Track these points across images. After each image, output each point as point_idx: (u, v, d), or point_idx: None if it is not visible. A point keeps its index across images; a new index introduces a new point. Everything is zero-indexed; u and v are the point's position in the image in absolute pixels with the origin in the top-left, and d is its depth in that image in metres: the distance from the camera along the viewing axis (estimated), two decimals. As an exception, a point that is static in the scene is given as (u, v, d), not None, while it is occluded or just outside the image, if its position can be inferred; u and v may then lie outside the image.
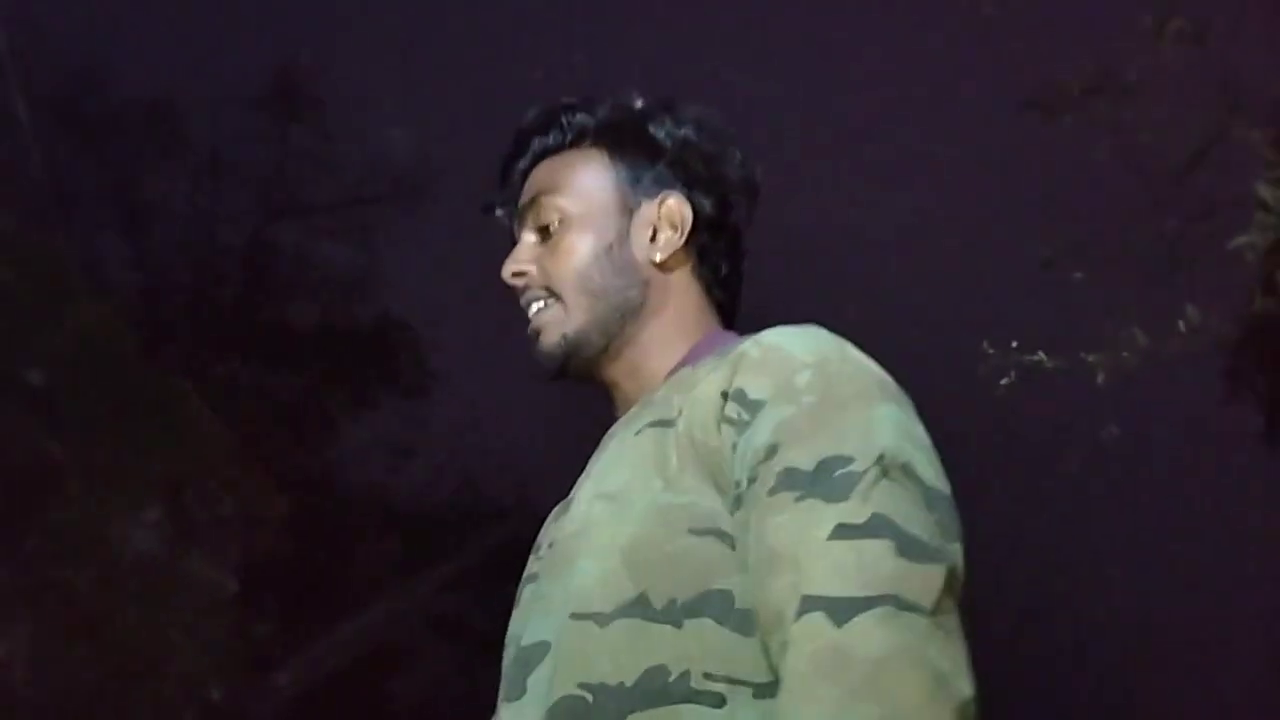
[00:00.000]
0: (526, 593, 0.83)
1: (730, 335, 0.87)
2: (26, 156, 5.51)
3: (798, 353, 0.77)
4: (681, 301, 0.89)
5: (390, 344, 6.55)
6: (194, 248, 6.88)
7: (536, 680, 0.75)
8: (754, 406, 0.74)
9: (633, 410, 0.84)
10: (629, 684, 0.70)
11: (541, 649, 0.76)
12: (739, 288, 0.92)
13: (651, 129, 0.90)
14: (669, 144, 0.90)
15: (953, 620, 0.68)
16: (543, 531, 0.89)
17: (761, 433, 0.73)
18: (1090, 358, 2.98)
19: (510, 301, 0.89)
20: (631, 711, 0.70)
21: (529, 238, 0.89)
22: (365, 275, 6.79)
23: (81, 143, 6.31)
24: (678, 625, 0.71)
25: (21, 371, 3.19)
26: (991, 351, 3.02)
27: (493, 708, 0.81)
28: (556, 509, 0.88)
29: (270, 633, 3.73)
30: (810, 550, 0.68)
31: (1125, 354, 2.96)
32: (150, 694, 3.23)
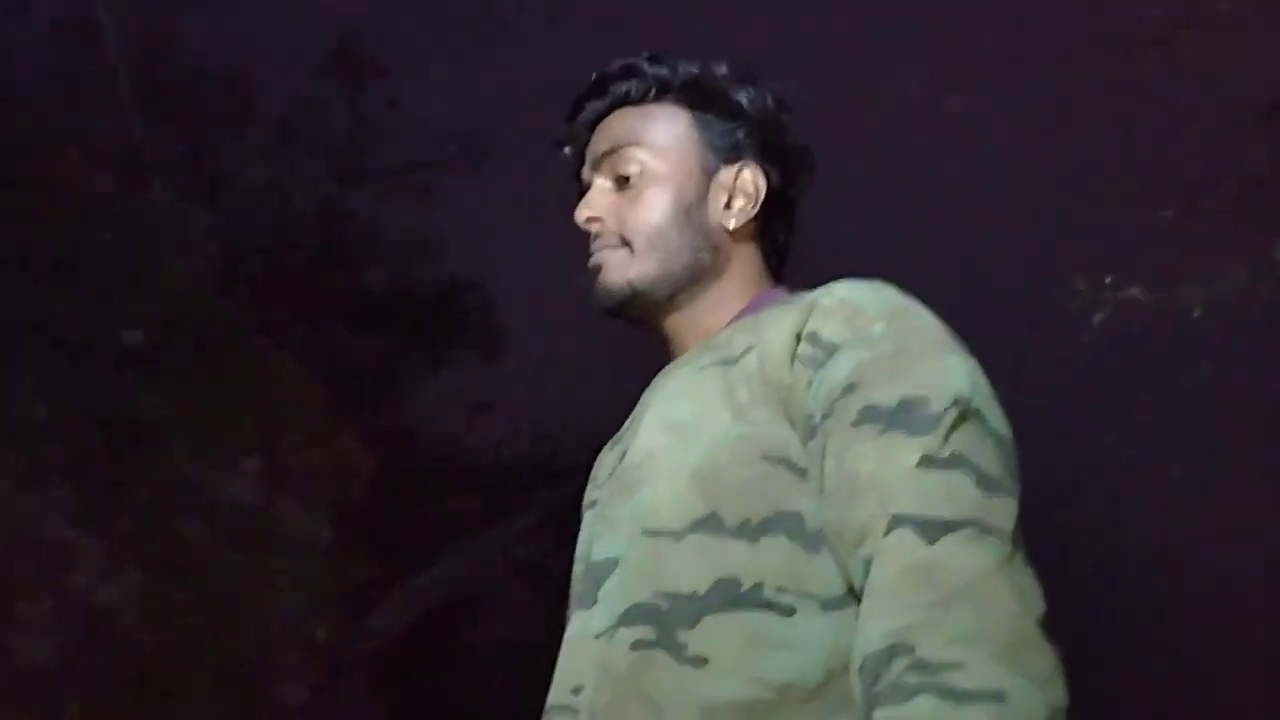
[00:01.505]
0: (590, 517, 0.89)
1: (784, 291, 0.91)
2: (122, 122, 5.69)
3: (870, 305, 0.81)
4: (744, 265, 0.92)
5: (462, 304, 6.68)
6: (269, 214, 7.04)
7: (608, 591, 0.80)
8: (829, 347, 0.78)
9: (691, 352, 0.88)
10: (701, 592, 0.75)
11: (611, 563, 0.80)
12: (788, 254, 0.96)
13: (735, 94, 0.91)
14: (751, 112, 0.91)
15: (1024, 549, 0.72)
16: (598, 464, 0.93)
17: (839, 371, 0.77)
18: (1186, 291, 2.91)
19: (579, 256, 0.92)
20: (704, 616, 0.74)
21: (603, 184, 0.91)
22: (435, 237, 6.89)
23: (162, 111, 6.48)
24: (750, 542, 0.76)
25: (121, 332, 3.33)
26: (1084, 288, 2.96)
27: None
28: (609, 444, 0.93)
29: (362, 578, 3.87)
30: (897, 476, 0.72)
31: (1220, 289, 2.88)
32: (255, 635, 3.40)
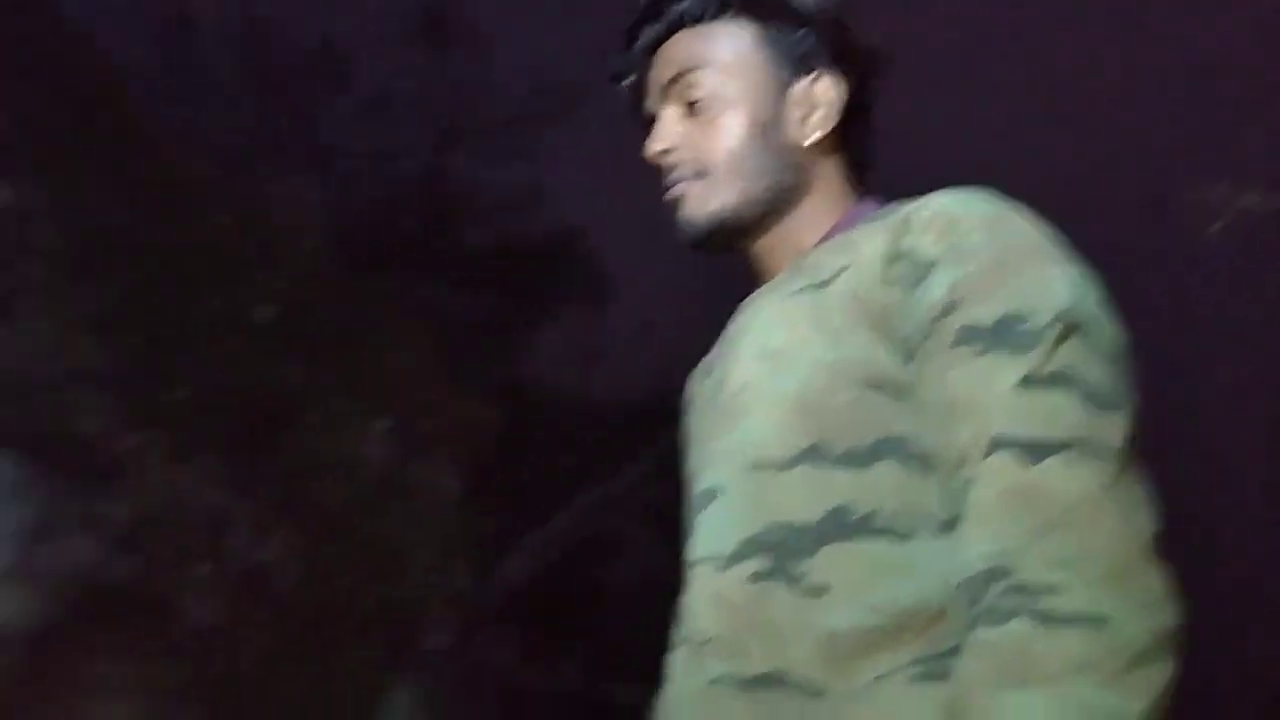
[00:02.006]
0: (692, 448, 0.87)
1: (874, 204, 0.86)
2: (229, 107, 5.91)
3: (968, 217, 0.76)
4: (828, 181, 0.87)
5: (568, 254, 6.76)
6: (375, 183, 7.24)
7: (718, 523, 0.79)
8: (925, 266, 0.75)
9: (781, 276, 0.85)
10: (815, 522, 0.74)
11: (718, 495, 0.79)
12: (873, 163, 0.91)
13: (799, 1, 0.86)
14: (817, 17, 0.86)
15: (1134, 466, 0.70)
16: (689, 394, 0.92)
17: (936, 290, 0.74)
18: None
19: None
20: (820, 545, 0.73)
21: (672, 112, 0.87)
22: (537, 190, 6.98)
23: (265, 92, 6.70)
24: (858, 469, 0.74)
25: (250, 309, 3.49)
26: (1203, 196, 2.82)
27: None
28: (699, 372, 0.91)
29: (494, 529, 4.02)
30: (997, 398, 0.70)
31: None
32: (400, 587, 3.57)
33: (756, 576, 0.75)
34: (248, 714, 3.19)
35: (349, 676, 3.47)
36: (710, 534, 0.79)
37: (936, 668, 0.71)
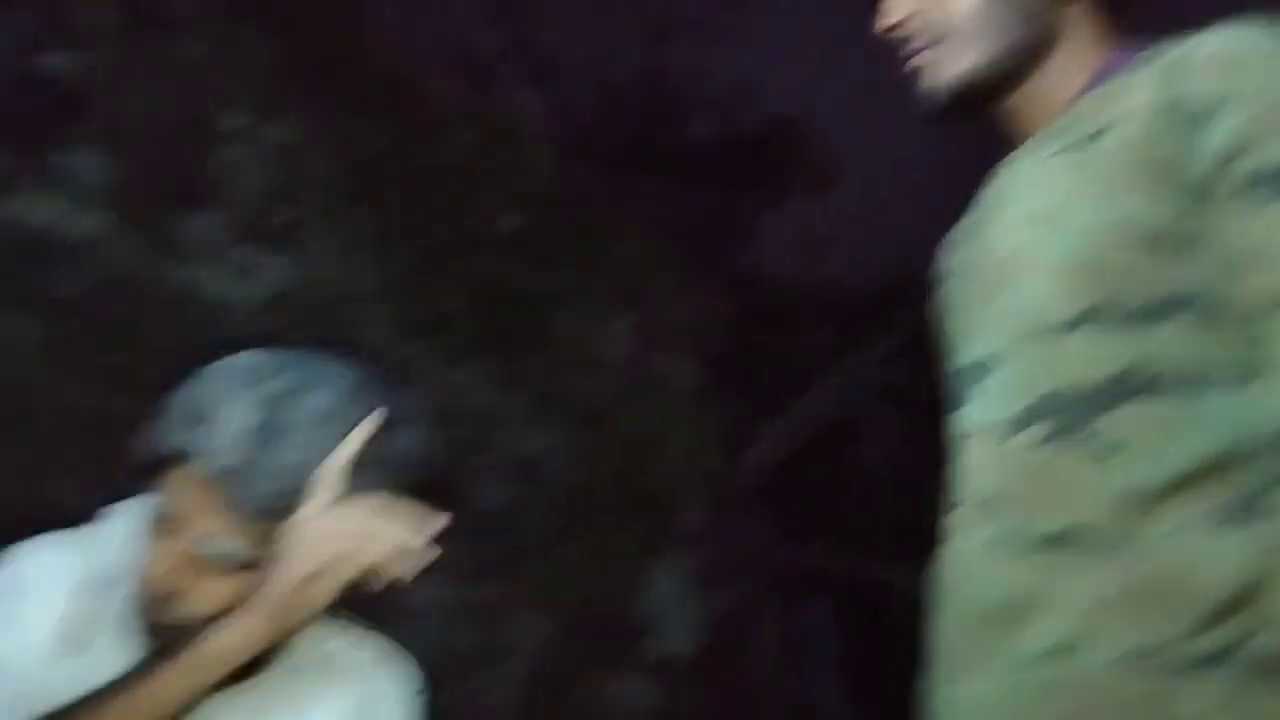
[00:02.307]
0: (953, 317, 0.86)
1: (1133, 51, 0.81)
2: (454, 25, 6.16)
3: (1249, 53, 0.72)
4: (1079, 30, 0.82)
5: (793, 139, 6.66)
6: (594, 85, 7.36)
7: (996, 389, 0.78)
8: (1205, 110, 0.71)
9: (1038, 136, 0.81)
10: (1102, 383, 0.73)
11: (992, 362, 0.79)
12: (1127, 3, 0.84)
13: None
14: None
15: None
16: (945, 266, 0.90)
17: (1219, 135, 0.70)
18: None
19: (902, 78, 0.85)
20: (1109, 406, 0.72)
21: None
22: (757, 77, 6.88)
23: (486, 6, 6.92)
24: (1143, 329, 0.72)
25: (498, 219, 3.70)
26: None
27: (937, 467, 0.86)
28: (954, 242, 0.88)
29: (738, 415, 4.13)
30: None
31: None
32: (655, 472, 3.78)
33: (1043, 440, 0.75)
34: (532, 592, 3.52)
35: (616, 557, 3.73)
36: (988, 402, 0.79)
37: (1236, 514, 0.70)
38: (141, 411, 3.08)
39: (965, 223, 0.88)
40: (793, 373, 5.11)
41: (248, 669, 1.29)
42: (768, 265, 6.61)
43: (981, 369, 0.81)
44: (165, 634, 1.16)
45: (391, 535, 1.05)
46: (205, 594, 1.13)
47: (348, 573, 1.05)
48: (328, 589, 1.06)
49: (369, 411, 1.11)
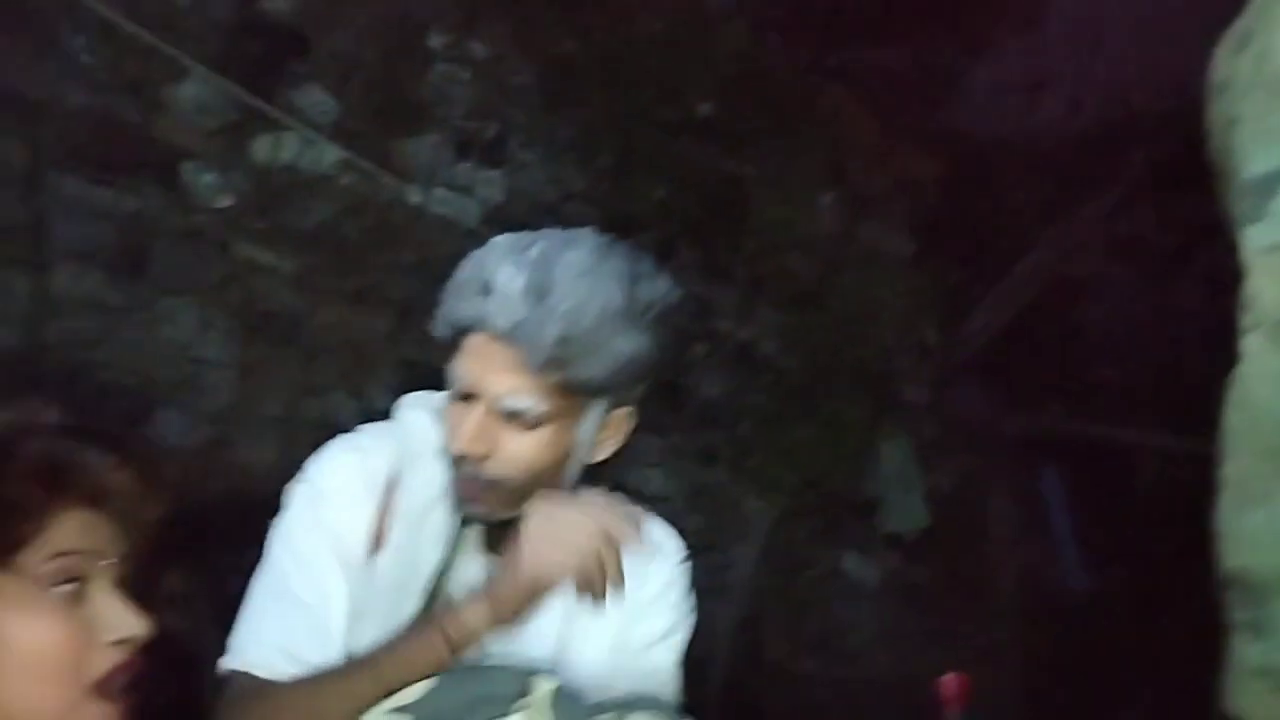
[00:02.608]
0: (1233, 129, 0.80)
1: None
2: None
3: None
4: None
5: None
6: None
7: None
8: None
9: None
10: None
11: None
12: None
13: None
14: None
15: None
16: (1220, 73, 0.82)
17: None
18: None
19: None
20: None
21: None
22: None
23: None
24: None
25: (694, 106, 3.68)
26: None
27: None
28: (1229, 48, 0.81)
29: (953, 284, 4.01)
30: None
31: None
32: (875, 346, 3.76)
33: None
34: (760, 475, 3.61)
35: (840, 435, 3.76)
36: None
37: None
38: (388, 327, 3.28)
39: (1233, 31, 0.82)
40: (1011, 232, 4.88)
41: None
42: (975, 120, 6.25)
43: (1273, 181, 0.77)
44: (483, 501, 1.30)
45: (614, 534, 1.17)
46: (512, 452, 1.27)
47: (574, 571, 1.18)
48: (554, 585, 1.19)
49: (619, 264, 1.24)
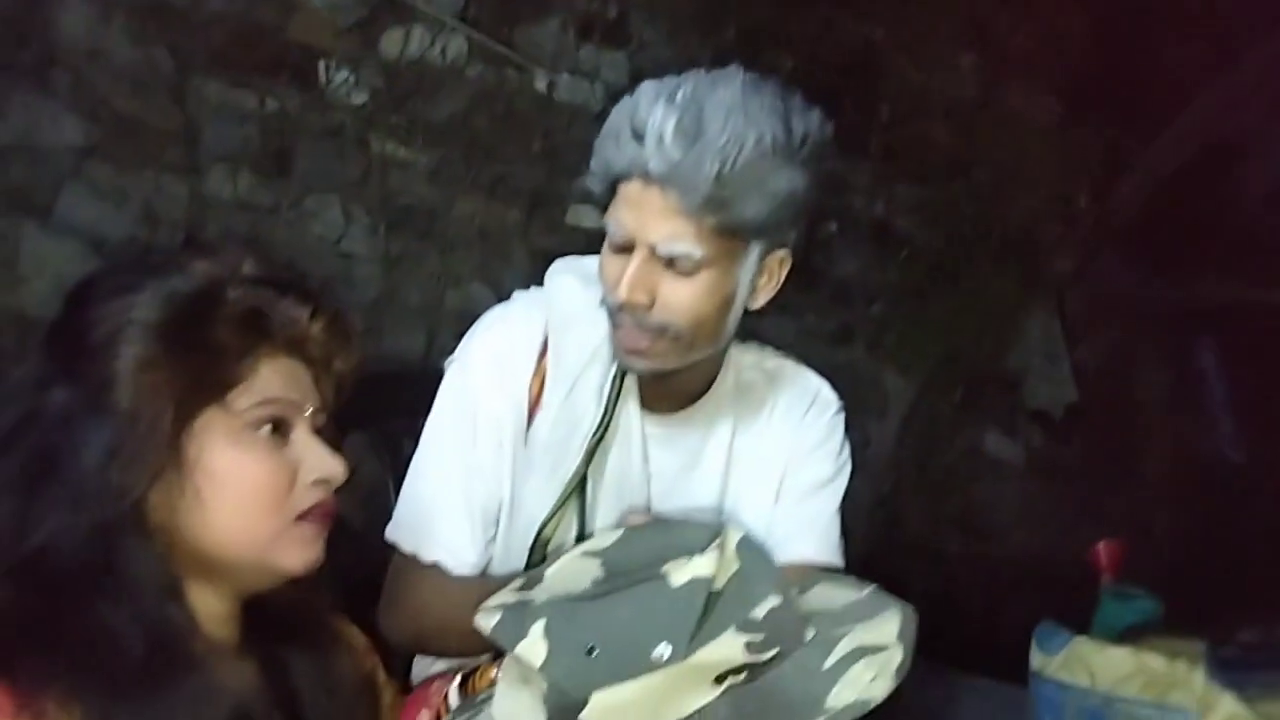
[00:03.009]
0: None
1: None
2: None
3: None
4: None
5: None
6: None
7: None
8: None
9: None
10: None
11: None
12: None
13: None
14: None
15: None
16: None
17: None
18: None
19: None
20: None
21: None
22: None
23: None
24: None
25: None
26: None
27: None
28: None
29: (1105, 145, 3.79)
30: None
31: None
32: (1019, 217, 3.61)
33: None
34: (899, 351, 3.56)
35: (983, 309, 3.65)
36: None
37: None
38: (520, 217, 3.31)
39: None
40: (1165, 90, 4.55)
41: (684, 399, 1.43)
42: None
43: None
44: (646, 353, 1.31)
45: None
46: (673, 299, 1.29)
47: None
48: None
49: (770, 99, 1.21)
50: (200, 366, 0.92)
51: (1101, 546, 2.37)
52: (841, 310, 3.48)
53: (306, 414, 0.99)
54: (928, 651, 0.93)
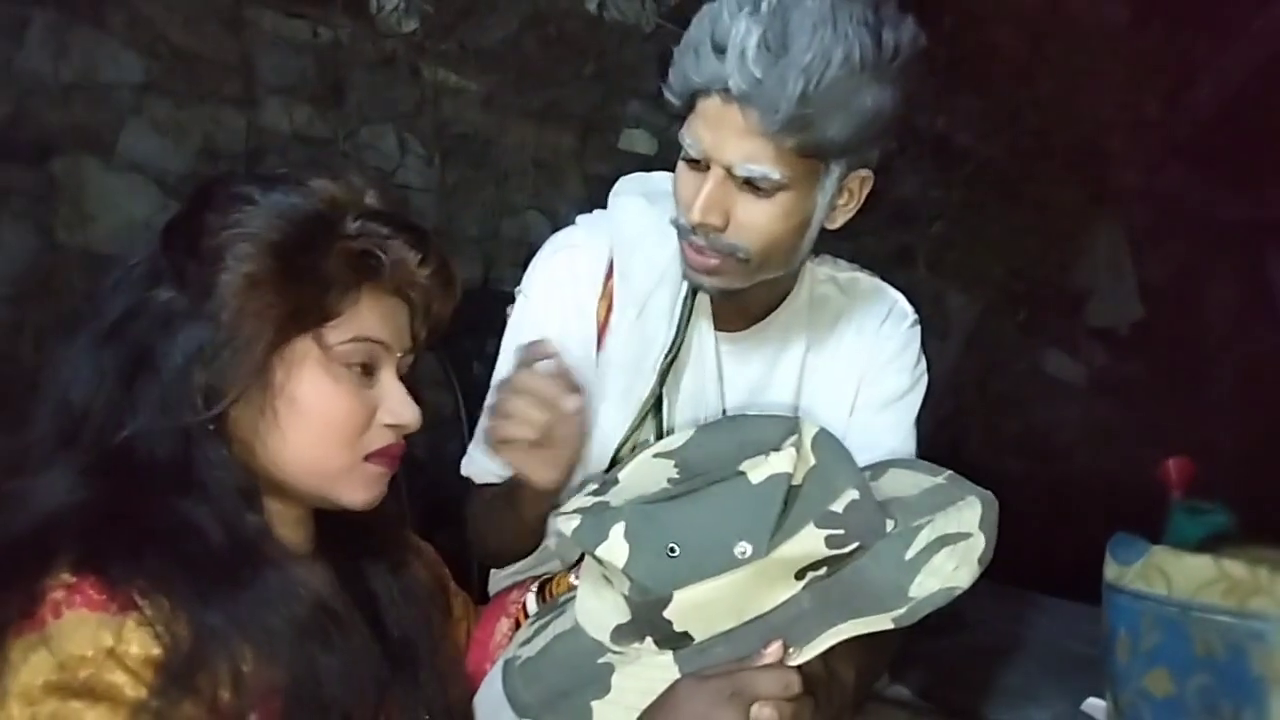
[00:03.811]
0: None
1: None
2: None
3: None
4: None
5: None
6: None
7: None
8: None
9: None
10: None
11: None
12: None
13: None
14: None
15: None
16: None
17: None
18: None
19: None
20: None
21: None
22: None
23: None
24: None
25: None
26: None
27: None
28: None
29: (1174, 52, 3.65)
30: None
31: None
32: (1081, 132, 3.50)
33: None
34: (963, 268, 3.50)
35: (1047, 224, 3.57)
36: None
37: None
38: (573, 143, 3.29)
39: None
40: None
41: (757, 314, 1.42)
42: None
43: None
44: (717, 272, 1.29)
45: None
46: (748, 221, 1.25)
47: None
48: None
49: (859, 9, 1.14)
50: (305, 295, 0.91)
51: (1171, 463, 2.33)
52: (901, 231, 3.42)
53: (396, 356, 0.98)
54: (990, 572, 0.92)
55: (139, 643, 0.79)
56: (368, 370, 0.96)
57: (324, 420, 0.94)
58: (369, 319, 0.95)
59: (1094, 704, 1.40)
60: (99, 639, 0.78)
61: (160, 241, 0.94)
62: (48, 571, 0.81)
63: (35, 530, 0.84)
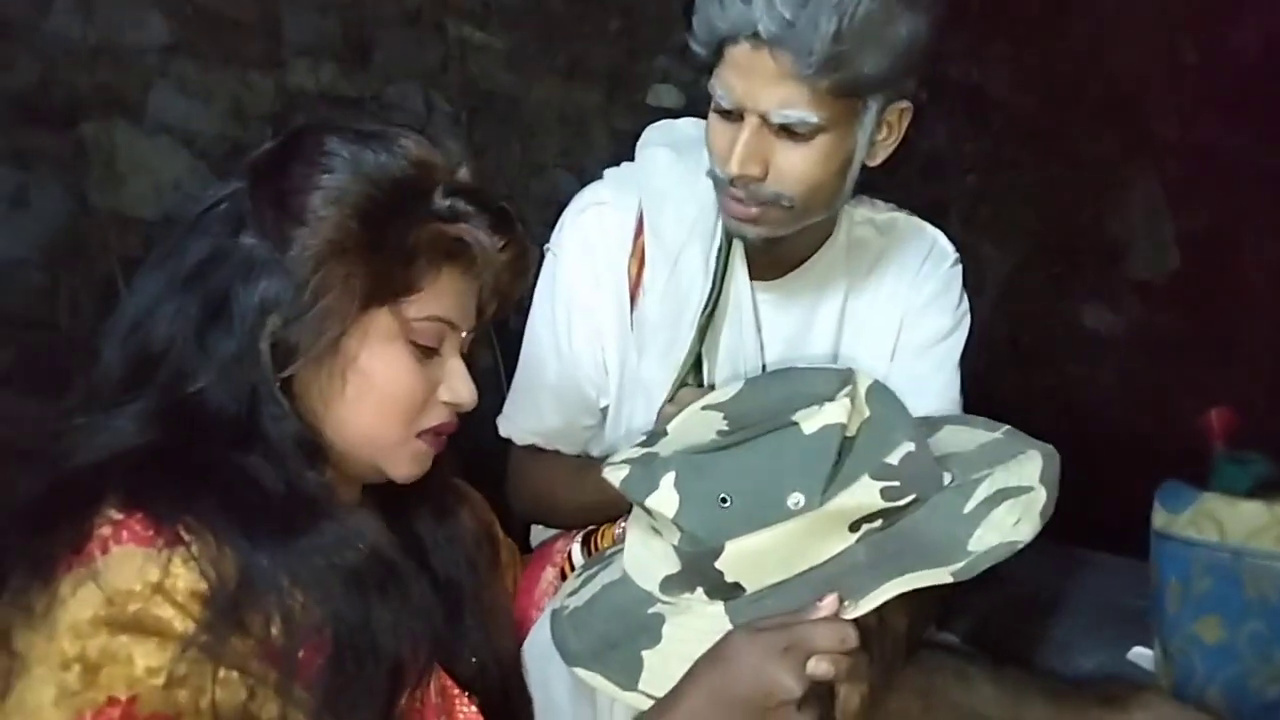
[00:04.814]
0: None
1: None
2: None
3: None
4: None
5: None
6: None
7: None
8: None
9: None
10: None
11: None
12: None
13: None
14: None
15: None
16: None
17: None
18: None
19: None
20: None
21: None
22: None
23: None
24: None
25: None
26: None
27: None
28: None
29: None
30: None
31: None
32: (1114, 81, 3.42)
33: None
34: (995, 222, 3.45)
35: (1081, 178, 3.51)
36: None
37: None
38: (599, 99, 3.24)
39: None
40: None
41: (794, 261, 1.40)
42: None
43: None
44: (758, 220, 1.27)
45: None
46: (787, 168, 1.22)
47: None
48: None
49: None
50: (390, 267, 0.90)
51: (1214, 413, 2.30)
52: (934, 185, 3.36)
53: (462, 335, 0.98)
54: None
55: (185, 578, 0.80)
56: (433, 347, 0.96)
57: (389, 393, 0.94)
58: (446, 298, 0.95)
59: (1140, 653, 1.39)
60: (146, 573, 0.78)
61: (250, 179, 0.92)
62: (97, 508, 0.82)
63: (94, 467, 0.85)
